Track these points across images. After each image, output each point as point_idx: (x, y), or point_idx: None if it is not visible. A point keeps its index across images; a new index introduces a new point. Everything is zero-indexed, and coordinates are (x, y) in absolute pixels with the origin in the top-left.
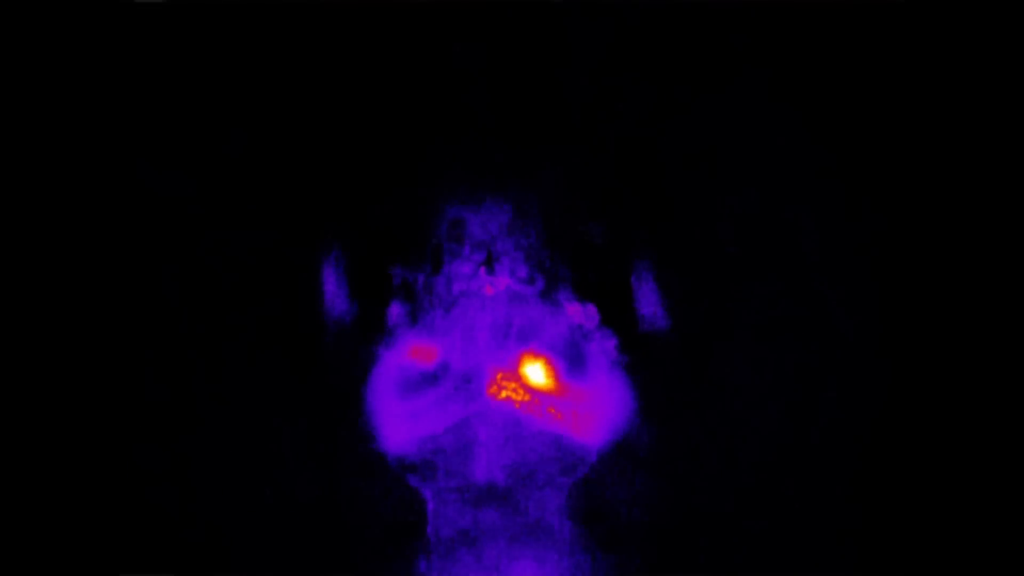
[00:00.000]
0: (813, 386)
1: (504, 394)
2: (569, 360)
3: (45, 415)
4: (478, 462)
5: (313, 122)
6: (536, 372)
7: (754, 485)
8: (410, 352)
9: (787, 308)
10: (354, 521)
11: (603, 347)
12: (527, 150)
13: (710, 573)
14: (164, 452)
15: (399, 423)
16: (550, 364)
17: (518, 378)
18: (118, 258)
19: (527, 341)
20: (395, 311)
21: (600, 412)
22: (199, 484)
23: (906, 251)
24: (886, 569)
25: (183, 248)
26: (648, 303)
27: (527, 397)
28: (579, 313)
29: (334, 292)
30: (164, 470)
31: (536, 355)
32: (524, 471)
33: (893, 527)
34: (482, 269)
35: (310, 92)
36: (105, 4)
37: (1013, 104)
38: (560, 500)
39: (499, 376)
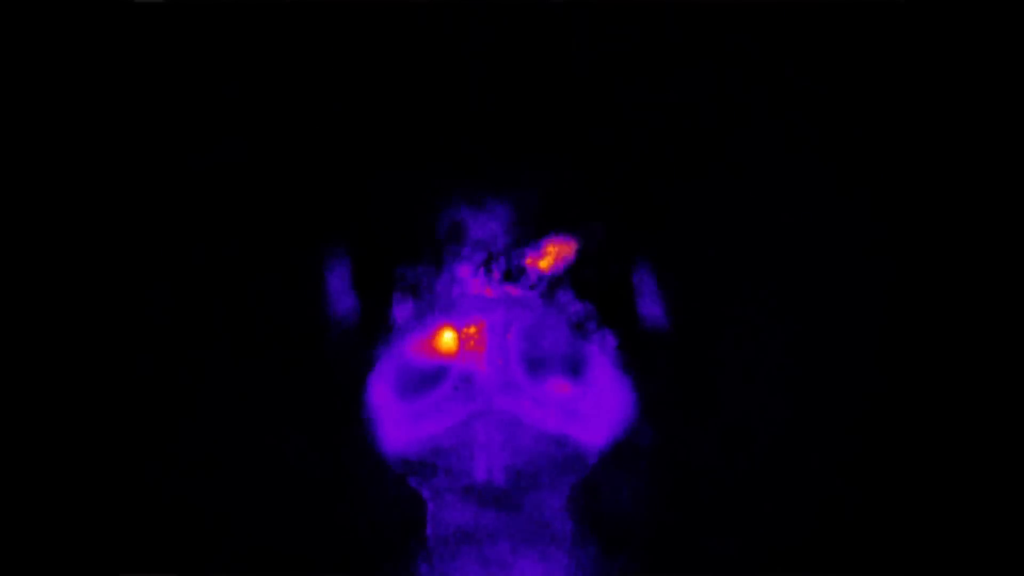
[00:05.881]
0: (812, 385)
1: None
2: (569, 360)
3: (47, 416)
4: (478, 462)
5: (315, 123)
6: (530, 362)
7: (754, 484)
8: (411, 352)
9: (786, 307)
10: (354, 521)
11: (603, 347)
12: (527, 152)
13: (710, 573)
14: (165, 451)
15: (399, 423)
16: (545, 356)
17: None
18: (119, 258)
19: (527, 340)
20: (396, 312)
21: (600, 412)
22: (199, 483)
23: (907, 250)
24: (886, 569)
25: (185, 248)
26: (648, 303)
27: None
28: (579, 313)
29: (336, 293)
30: (165, 470)
31: (531, 347)
32: (524, 471)
33: (892, 527)
34: (482, 269)
35: (313, 93)
36: (105, 4)
37: (1013, 104)
38: (560, 500)
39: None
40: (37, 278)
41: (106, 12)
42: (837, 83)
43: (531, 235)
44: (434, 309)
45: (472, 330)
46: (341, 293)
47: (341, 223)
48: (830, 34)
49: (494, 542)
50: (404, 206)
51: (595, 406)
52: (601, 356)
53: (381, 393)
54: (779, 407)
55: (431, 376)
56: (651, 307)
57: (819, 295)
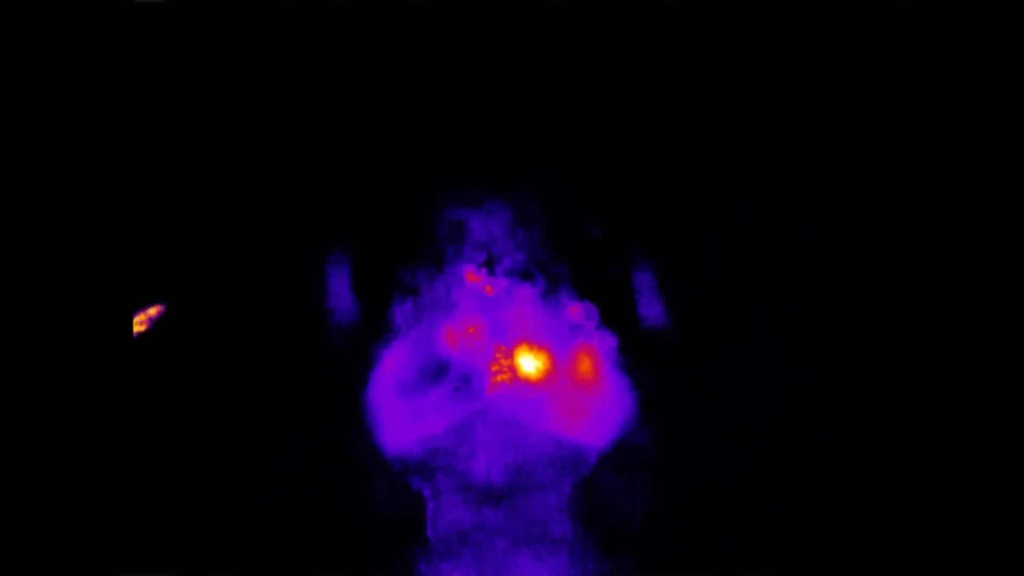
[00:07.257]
0: (812, 386)
1: (499, 378)
2: (569, 359)
3: (48, 417)
4: (478, 462)
5: (315, 125)
6: (530, 363)
7: (753, 483)
8: (411, 352)
9: (786, 308)
10: (354, 521)
11: (603, 347)
12: (527, 152)
13: (709, 573)
14: (165, 452)
15: (399, 423)
16: (545, 356)
17: (513, 366)
18: (120, 259)
19: (526, 339)
20: (396, 312)
21: (600, 412)
22: (199, 484)
23: (907, 249)
24: (884, 569)
25: (183, 248)
26: (648, 303)
27: (520, 380)
28: (579, 313)
29: (337, 293)
30: (164, 470)
31: (532, 348)
32: (524, 471)
33: (892, 528)
34: (483, 269)
35: (313, 95)
36: (105, 4)
37: (1013, 104)
38: (560, 500)
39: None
40: (35, 278)
41: (106, 12)
42: (838, 83)
43: (531, 235)
44: (434, 309)
45: (472, 330)
46: (341, 293)
47: (341, 224)
48: (830, 34)
49: (493, 542)
50: (404, 207)
51: (595, 406)
52: (601, 356)
53: (381, 393)
54: (778, 407)
55: (431, 376)
56: (651, 307)
57: (819, 295)
